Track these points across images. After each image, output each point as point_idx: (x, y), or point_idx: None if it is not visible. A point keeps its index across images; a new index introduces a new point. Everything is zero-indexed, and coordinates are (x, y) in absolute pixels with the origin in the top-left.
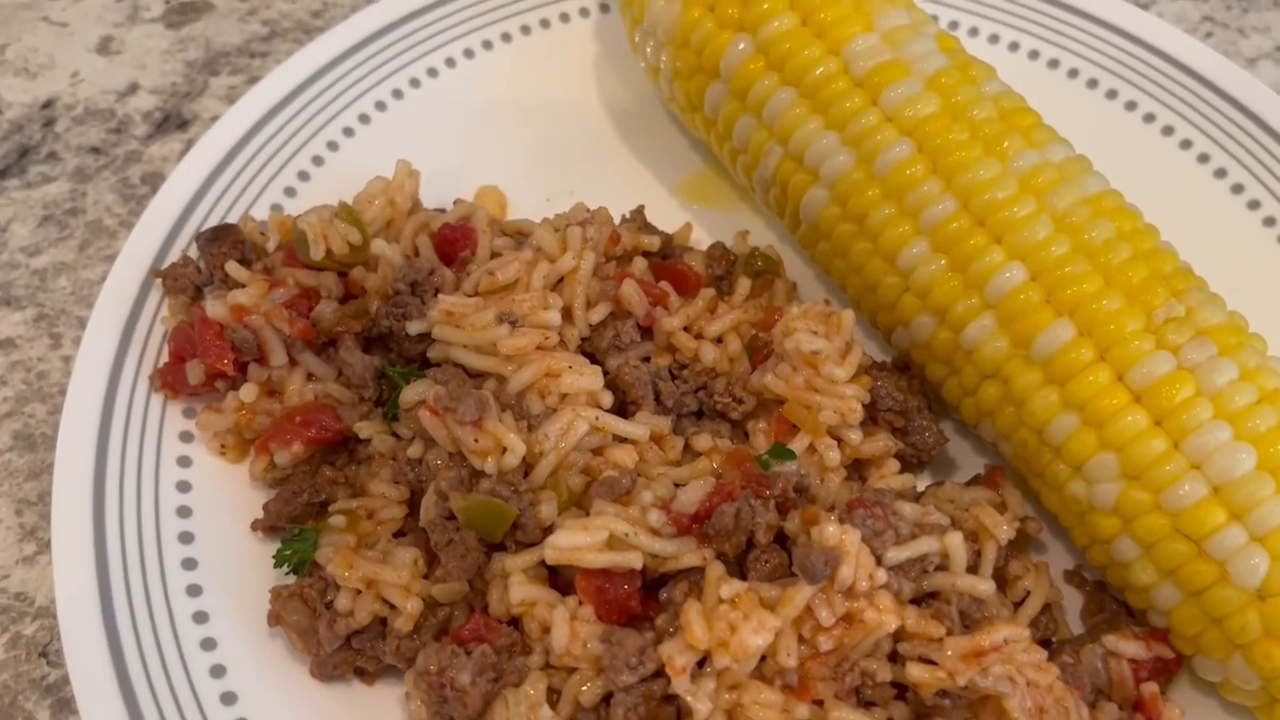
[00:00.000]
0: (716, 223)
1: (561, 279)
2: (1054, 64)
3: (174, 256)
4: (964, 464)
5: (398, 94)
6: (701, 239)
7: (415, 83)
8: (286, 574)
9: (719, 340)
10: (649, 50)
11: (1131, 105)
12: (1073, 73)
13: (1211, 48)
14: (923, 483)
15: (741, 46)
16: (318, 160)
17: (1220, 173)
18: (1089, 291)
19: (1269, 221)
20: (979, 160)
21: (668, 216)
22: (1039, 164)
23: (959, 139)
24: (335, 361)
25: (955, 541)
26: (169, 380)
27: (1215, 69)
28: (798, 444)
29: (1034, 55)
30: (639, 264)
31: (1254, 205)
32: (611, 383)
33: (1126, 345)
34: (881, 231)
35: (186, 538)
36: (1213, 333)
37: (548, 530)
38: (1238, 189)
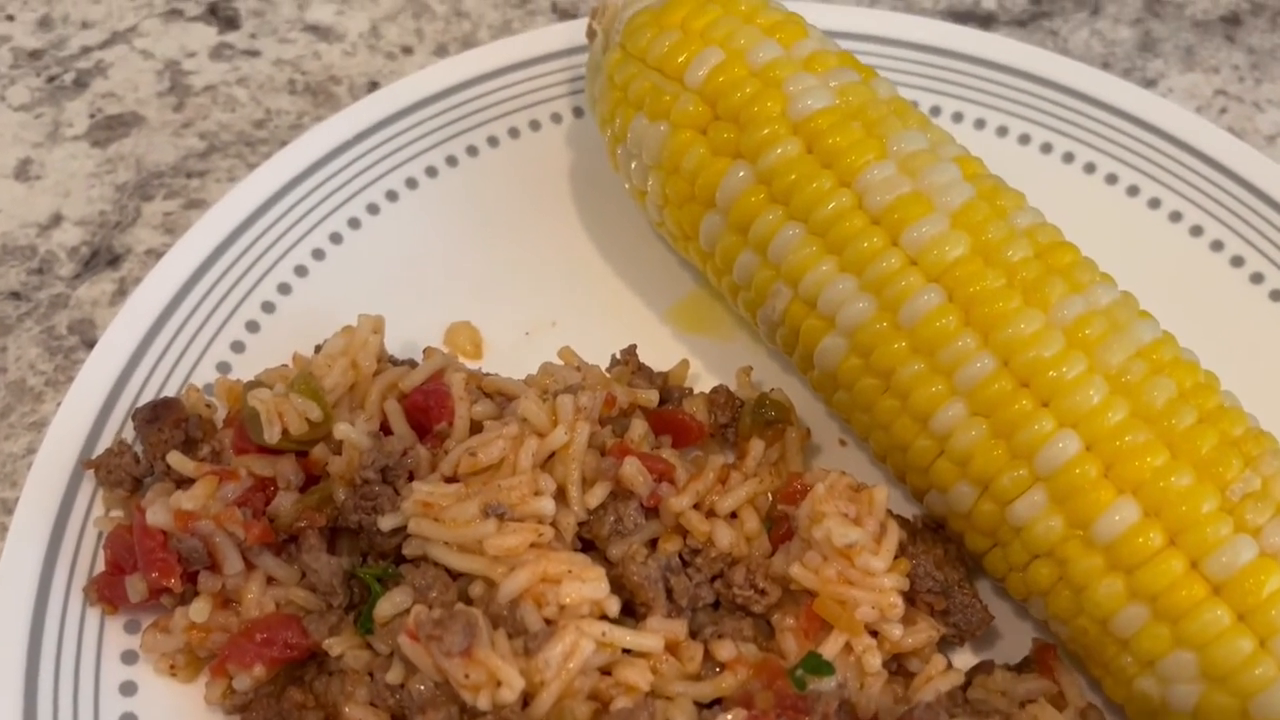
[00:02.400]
0: (714, 354)
1: (552, 455)
2: (1069, 158)
3: (109, 432)
4: (1007, 630)
5: (354, 223)
6: (699, 373)
7: (374, 209)
8: None
9: (733, 515)
10: (633, 170)
11: (1156, 202)
12: (1089, 167)
13: (1227, 125)
14: (963, 658)
15: (741, 174)
16: (268, 306)
17: (1257, 277)
18: (1154, 466)
19: None
20: (1020, 312)
21: (660, 349)
22: (1085, 313)
23: (995, 286)
24: (298, 562)
25: None
26: (106, 594)
27: (1244, 164)
28: (832, 645)
29: (1046, 148)
30: (638, 426)
31: None
32: (615, 579)
33: (1202, 530)
34: (912, 390)
35: None
36: None
37: None
38: (1276, 296)
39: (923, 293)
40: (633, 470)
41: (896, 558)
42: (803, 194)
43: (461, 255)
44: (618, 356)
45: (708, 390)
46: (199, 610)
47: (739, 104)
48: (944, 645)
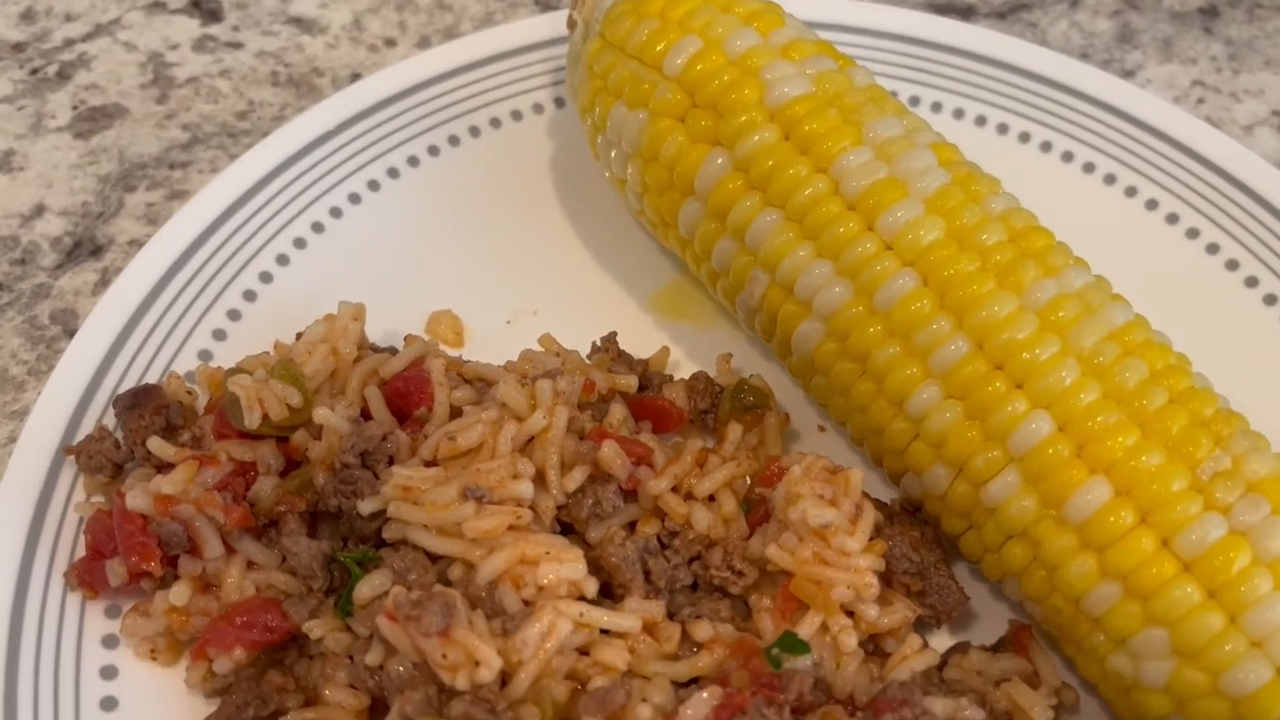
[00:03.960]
0: (695, 341)
1: (531, 439)
2: (1046, 146)
3: (90, 419)
4: (983, 611)
5: (336, 212)
6: (679, 359)
7: (355, 198)
8: None
9: (711, 498)
10: (613, 159)
11: (1132, 190)
12: (1067, 156)
13: (1204, 115)
14: (939, 639)
15: (719, 162)
16: (250, 295)
17: (1232, 264)
18: (1125, 446)
19: None
20: (993, 295)
21: (641, 336)
22: (1058, 295)
23: (968, 270)
24: (278, 546)
25: None
26: (86, 579)
27: (1219, 152)
28: (808, 625)
29: (1025, 138)
30: (617, 411)
31: (1270, 300)
32: (594, 560)
33: (1172, 508)
34: (887, 373)
35: None
36: (1264, 486)
37: None
38: (1252, 282)
39: (898, 277)
40: (611, 453)
41: (872, 539)
42: (779, 180)
43: (443, 244)
44: (598, 344)
45: (688, 377)
46: (179, 594)
47: (717, 92)
48: (921, 627)
